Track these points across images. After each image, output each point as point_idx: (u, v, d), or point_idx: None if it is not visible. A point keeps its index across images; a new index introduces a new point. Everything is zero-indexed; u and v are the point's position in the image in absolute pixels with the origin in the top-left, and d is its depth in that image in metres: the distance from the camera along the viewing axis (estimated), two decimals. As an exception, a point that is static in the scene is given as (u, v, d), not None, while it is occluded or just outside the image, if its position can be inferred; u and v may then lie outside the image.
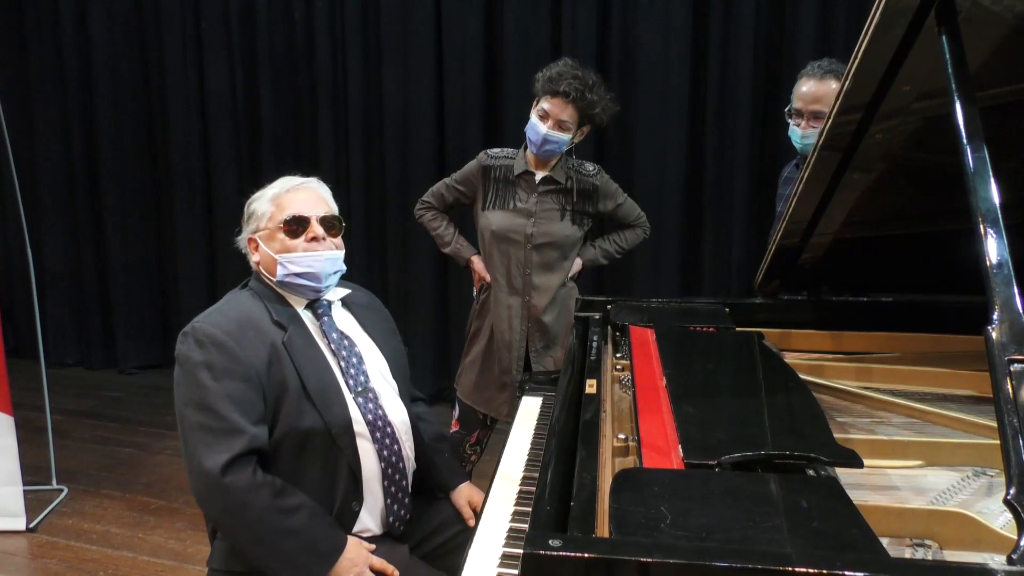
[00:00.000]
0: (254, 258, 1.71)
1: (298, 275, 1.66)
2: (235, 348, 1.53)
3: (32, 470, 3.21)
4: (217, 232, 4.56)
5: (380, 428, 1.66)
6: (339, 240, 1.72)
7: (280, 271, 1.65)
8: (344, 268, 1.75)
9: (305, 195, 1.70)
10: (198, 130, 4.56)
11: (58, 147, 4.78)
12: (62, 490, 3.23)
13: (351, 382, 1.65)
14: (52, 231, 4.87)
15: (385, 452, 1.66)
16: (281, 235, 1.66)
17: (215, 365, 1.51)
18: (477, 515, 1.74)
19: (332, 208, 1.74)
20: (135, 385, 4.66)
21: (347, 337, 1.72)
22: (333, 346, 1.67)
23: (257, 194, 1.73)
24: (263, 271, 1.70)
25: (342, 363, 1.66)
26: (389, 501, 1.68)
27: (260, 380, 1.54)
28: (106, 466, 3.53)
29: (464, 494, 1.85)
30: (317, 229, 1.67)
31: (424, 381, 4.24)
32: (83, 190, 4.79)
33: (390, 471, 1.67)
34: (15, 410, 2.92)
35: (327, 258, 1.68)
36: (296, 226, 1.66)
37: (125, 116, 4.66)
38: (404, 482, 1.71)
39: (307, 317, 1.69)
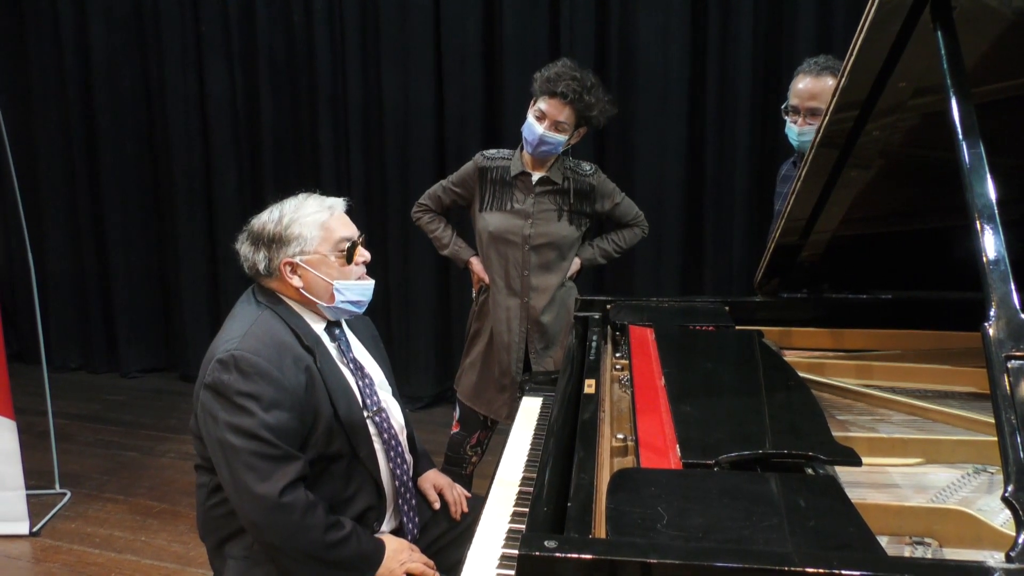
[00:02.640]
0: (293, 281, 1.64)
1: (351, 302, 1.67)
2: (280, 378, 1.52)
3: (35, 474, 3.22)
4: (218, 234, 4.55)
5: (393, 447, 1.69)
6: None
7: (338, 297, 1.65)
8: None
9: (345, 218, 1.70)
10: (198, 133, 4.56)
11: (59, 151, 4.78)
12: (65, 494, 3.23)
13: (368, 402, 1.68)
14: (54, 235, 4.87)
15: (397, 471, 1.70)
16: (335, 260, 1.65)
17: (264, 396, 1.49)
18: (461, 509, 1.86)
19: None
20: (138, 389, 4.67)
21: (357, 359, 1.73)
22: (352, 366, 1.69)
23: (293, 215, 1.65)
24: (307, 295, 1.65)
25: (359, 383, 1.68)
26: (404, 519, 1.72)
27: (300, 407, 1.55)
28: (109, 470, 3.53)
29: (430, 480, 1.89)
30: (366, 253, 1.70)
31: (425, 383, 4.24)
32: (84, 194, 4.79)
33: (402, 488, 1.71)
34: (18, 414, 2.92)
35: (372, 286, 1.71)
36: (352, 251, 1.67)
37: (125, 119, 4.66)
38: (413, 499, 1.75)
39: (325, 339, 1.69)
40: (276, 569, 1.57)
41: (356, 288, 1.67)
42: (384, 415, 1.70)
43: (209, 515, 1.64)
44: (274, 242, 1.64)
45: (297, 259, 1.63)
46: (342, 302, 1.66)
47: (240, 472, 1.48)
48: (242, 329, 1.57)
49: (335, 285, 1.64)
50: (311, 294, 1.65)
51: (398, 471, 1.70)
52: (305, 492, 1.51)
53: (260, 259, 1.65)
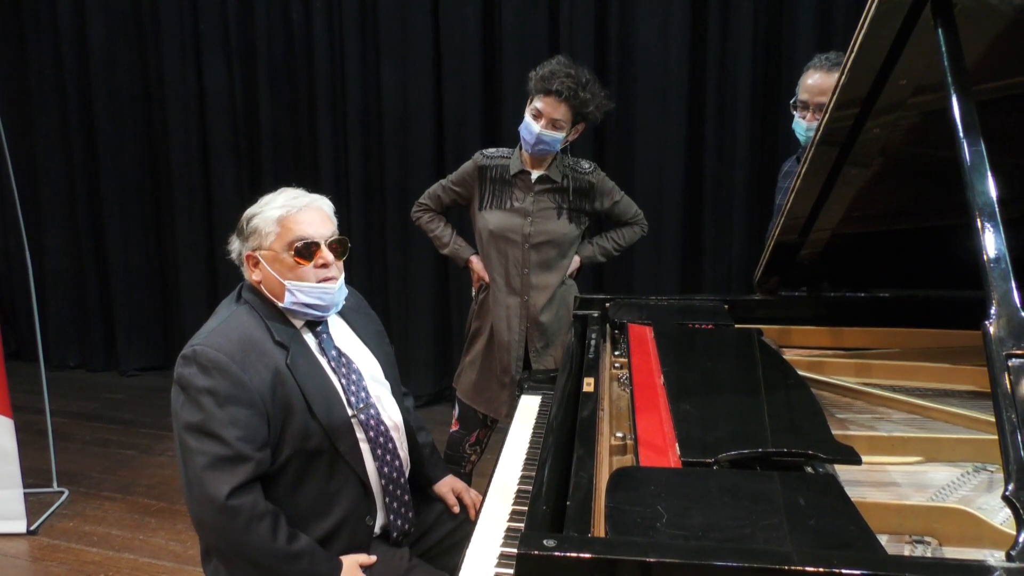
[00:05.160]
0: (253, 276, 1.64)
1: (307, 305, 1.61)
2: (239, 373, 1.49)
3: (33, 473, 3.22)
4: (217, 232, 4.55)
5: (381, 444, 1.66)
6: (342, 263, 1.67)
7: (288, 298, 1.60)
8: (347, 291, 1.72)
9: (312, 216, 1.62)
10: (197, 131, 4.56)
11: (57, 149, 4.78)
12: (63, 492, 3.23)
13: (353, 399, 1.64)
14: (52, 233, 4.87)
15: (386, 468, 1.67)
16: (288, 258, 1.59)
17: (219, 391, 1.48)
18: (476, 511, 1.77)
19: (336, 226, 1.67)
20: (136, 387, 4.66)
21: (344, 355, 1.69)
22: (332, 364, 1.65)
23: (258, 207, 1.64)
24: (264, 290, 1.64)
25: (343, 380, 1.65)
26: (392, 516, 1.69)
27: (264, 405, 1.51)
28: (107, 468, 3.53)
29: (447, 484, 1.87)
30: (327, 255, 1.61)
31: (424, 381, 4.24)
32: (83, 192, 4.79)
33: (391, 487, 1.68)
34: (16, 413, 2.92)
35: (338, 290, 1.64)
36: (306, 251, 1.59)
37: (124, 118, 4.66)
38: (406, 496, 1.72)
39: (307, 334, 1.66)
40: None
41: (312, 291, 1.60)
42: (372, 411, 1.66)
43: None
44: (241, 233, 1.65)
45: (257, 253, 1.63)
46: (294, 303, 1.60)
47: (191, 469, 1.48)
48: (213, 325, 1.58)
49: (287, 285, 1.60)
50: (268, 290, 1.63)
51: (386, 468, 1.66)
52: (256, 500, 1.48)
53: (234, 249, 1.68)
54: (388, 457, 1.67)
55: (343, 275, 1.67)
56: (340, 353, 1.69)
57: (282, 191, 1.67)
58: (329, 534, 1.59)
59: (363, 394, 1.67)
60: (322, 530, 1.59)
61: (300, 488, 1.57)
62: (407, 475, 1.74)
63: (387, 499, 1.67)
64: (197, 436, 1.47)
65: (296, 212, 1.61)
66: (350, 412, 1.62)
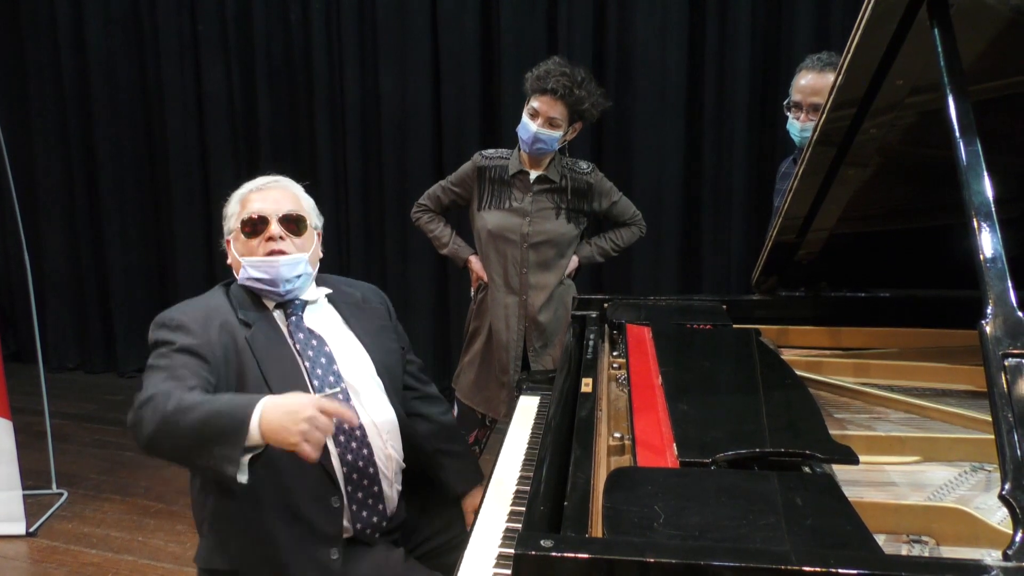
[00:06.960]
0: (230, 259, 1.71)
1: (257, 280, 1.64)
2: (199, 330, 1.54)
3: (32, 474, 3.21)
4: (215, 233, 4.52)
5: (346, 432, 1.61)
6: (302, 240, 1.66)
7: (242, 274, 1.65)
8: (310, 270, 1.69)
9: (267, 194, 1.67)
10: (196, 133, 4.56)
11: (56, 151, 4.77)
12: (62, 494, 3.23)
13: (316, 383, 1.61)
14: (51, 234, 4.86)
15: (349, 456, 1.61)
16: (242, 235, 1.65)
17: (177, 341, 1.52)
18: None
19: (300, 205, 1.69)
20: (135, 388, 4.62)
21: (316, 337, 1.67)
22: (299, 346, 1.64)
23: (232, 194, 1.73)
24: (236, 272, 1.69)
25: (307, 363, 1.63)
26: (355, 507, 1.62)
27: (216, 363, 1.53)
28: (106, 470, 3.53)
29: (471, 503, 1.81)
30: (275, 229, 1.63)
31: (424, 381, 4.23)
32: (82, 194, 4.79)
33: (355, 476, 1.62)
34: (15, 414, 2.92)
35: (284, 263, 1.62)
36: (254, 226, 1.63)
37: (123, 119, 4.65)
38: (375, 487, 1.64)
39: (278, 316, 1.67)
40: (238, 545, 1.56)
41: (259, 264, 1.62)
42: (340, 398, 1.60)
43: (197, 503, 1.65)
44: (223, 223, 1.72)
45: (229, 237, 1.69)
46: (247, 279, 1.64)
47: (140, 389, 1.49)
48: (187, 300, 1.65)
49: (242, 261, 1.64)
50: (236, 271, 1.68)
51: (349, 456, 1.61)
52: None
53: (224, 243, 1.73)
54: (354, 445, 1.62)
55: (303, 253, 1.66)
56: (310, 335, 1.66)
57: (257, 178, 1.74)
58: (295, 512, 1.56)
59: (331, 378, 1.64)
60: (288, 507, 1.55)
61: (264, 463, 1.49)
62: (386, 472, 1.67)
63: (349, 488, 1.61)
64: (148, 372, 1.52)
65: (251, 192, 1.68)
66: (312, 393, 1.59)
